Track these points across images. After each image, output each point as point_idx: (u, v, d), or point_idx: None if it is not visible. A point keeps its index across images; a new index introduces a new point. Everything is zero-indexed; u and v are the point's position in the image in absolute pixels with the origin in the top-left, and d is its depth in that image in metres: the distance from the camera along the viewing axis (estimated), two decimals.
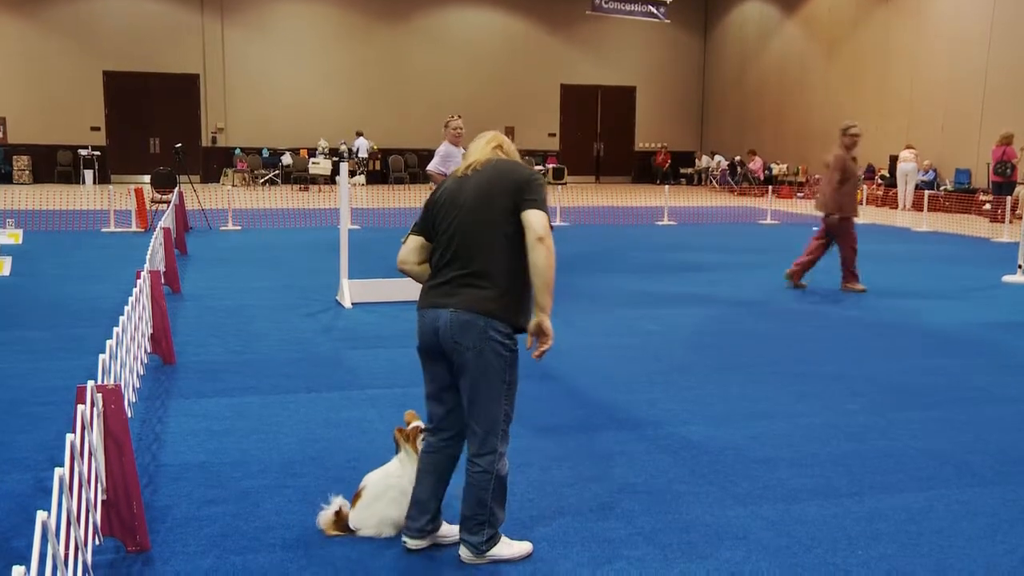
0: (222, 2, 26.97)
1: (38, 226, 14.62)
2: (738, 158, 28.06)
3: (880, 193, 22.43)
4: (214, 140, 27.48)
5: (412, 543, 3.38)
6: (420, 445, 3.47)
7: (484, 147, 3.35)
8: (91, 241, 13.04)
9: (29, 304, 8.22)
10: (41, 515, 2.24)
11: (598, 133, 31.42)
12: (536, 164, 28.53)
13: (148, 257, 6.83)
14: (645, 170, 31.35)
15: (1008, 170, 17.37)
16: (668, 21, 28.14)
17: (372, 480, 3.54)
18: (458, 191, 3.25)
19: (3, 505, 3.74)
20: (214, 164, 27.16)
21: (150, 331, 5.97)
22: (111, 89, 26.49)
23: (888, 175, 22.64)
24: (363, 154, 26.80)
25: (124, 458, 3.28)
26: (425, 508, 3.36)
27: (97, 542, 3.25)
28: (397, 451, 3.56)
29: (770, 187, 21.53)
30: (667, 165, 30.59)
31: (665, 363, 6.38)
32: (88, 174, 25.47)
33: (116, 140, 26.70)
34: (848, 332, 7.51)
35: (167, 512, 3.69)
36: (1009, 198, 16.33)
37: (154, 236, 7.86)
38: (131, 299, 5.12)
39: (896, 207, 21.29)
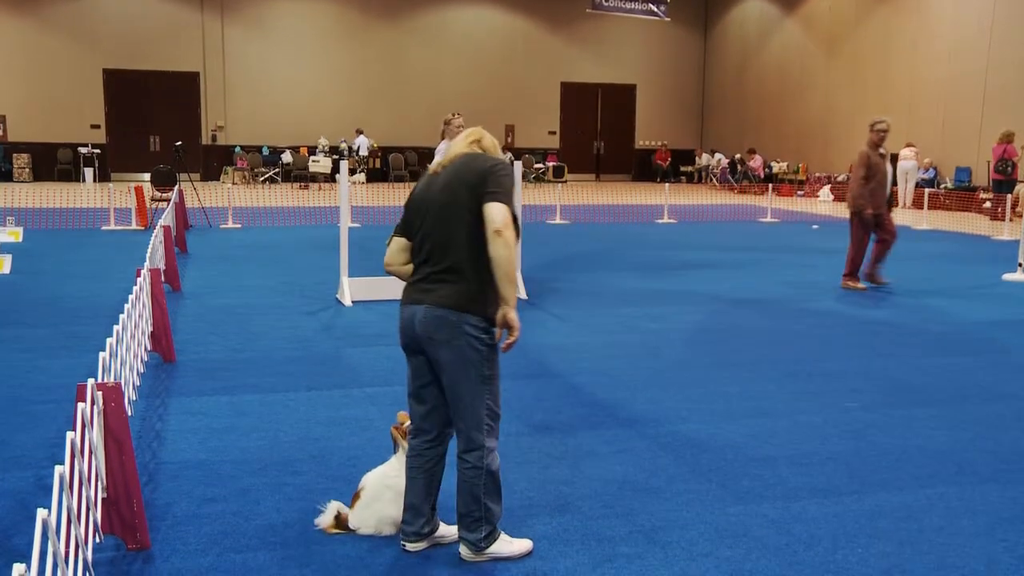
0: (222, 0, 26.95)
1: (38, 224, 14.62)
2: (738, 156, 28.06)
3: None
4: (214, 138, 27.47)
5: (410, 546, 3.38)
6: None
7: (461, 143, 3.36)
8: (91, 239, 13.04)
9: (29, 302, 8.22)
10: (41, 513, 2.25)
11: (598, 131, 31.42)
12: (536, 162, 28.55)
13: (148, 255, 6.82)
14: (645, 168, 31.35)
15: (1009, 168, 17.37)
16: (668, 19, 28.15)
17: (370, 481, 3.54)
18: (428, 189, 3.29)
19: (3, 503, 3.74)
20: (214, 162, 27.17)
21: (150, 329, 5.97)
22: (111, 87, 26.48)
23: None
24: (363, 152, 26.80)
25: (124, 456, 3.28)
26: (419, 512, 3.36)
27: (97, 540, 3.25)
28: (395, 450, 3.56)
29: (770, 185, 21.53)
30: (667, 163, 30.59)
31: (665, 361, 6.38)
32: (88, 172, 25.49)
33: (116, 138, 26.71)
34: (848, 330, 7.51)
35: (167, 510, 3.69)
36: (1009, 196, 16.34)
37: (154, 234, 7.86)
38: (131, 297, 5.12)
39: (896, 205, 21.28)
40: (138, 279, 5.69)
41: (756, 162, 26.95)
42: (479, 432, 3.23)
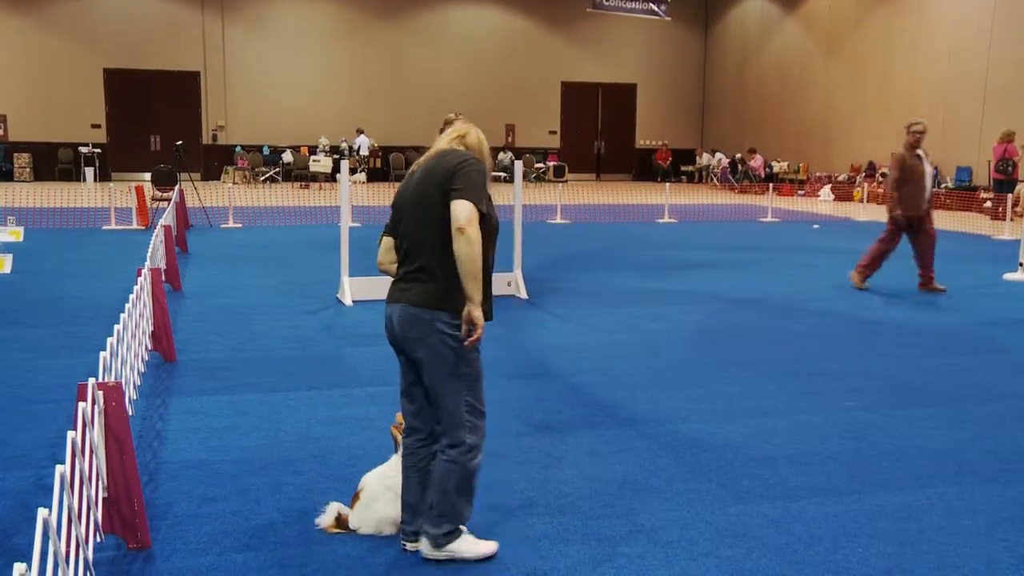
0: (223, 0, 26.96)
1: (39, 224, 14.62)
2: (739, 156, 28.07)
3: (881, 191, 22.42)
4: (215, 138, 27.49)
5: (410, 546, 3.38)
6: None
7: (444, 139, 3.35)
8: (92, 239, 13.04)
9: (30, 301, 8.23)
10: (42, 512, 2.25)
11: (599, 131, 31.43)
12: (537, 162, 28.56)
13: (149, 255, 6.83)
14: (646, 168, 31.36)
15: (1009, 168, 17.38)
16: (669, 19, 28.16)
17: (369, 482, 3.55)
18: (406, 189, 3.31)
19: (4, 502, 3.75)
20: (215, 162, 27.18)
21: (151, 328, 5.97)
22: (112, 87, 26.50)
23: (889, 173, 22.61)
24: (364, 152, 26.81)
25: (125, 455, 3.29)
26: (416, 511, 3.37)
27: (98, 539, 3.26)
28: (396, 449, 3.56)
29: (771, 185, 21.54)
30: (668, 163, 30.59)
31: (665, 361, 6.38)
32: (89, 172, 25.50)
33: (117, 138, 26.72)
34: (848, 330, 7.51)
35: (168, 509, 3.70)
36: (1010, 196, 16.33)
37: (155, 234, 7.86)
38: (132, 297, 5.13)
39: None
40: (139, 279, 5.70)
41: (756, 162, 26.95)
42: (460, 429, 3.23)
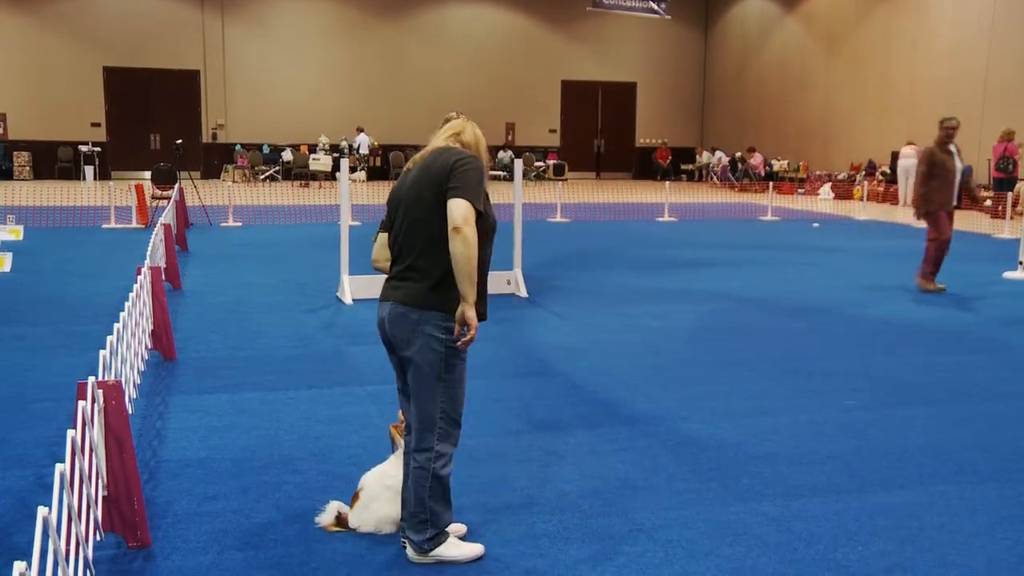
0: None
1: (39, 222, 14.63)
2: (739, 154, 28.09)
3: (881, 189, 22.46)
4: (214, 136, 27.49)
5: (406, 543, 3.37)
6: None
7: (440, 137, 3.32)
8: (92, 237, 13.05)
9: (30, 300, 8.23)
10: (42, 511, 2.25)
11: (599, 129, 31.44)
12: (537, 160, 28.56)
13: (149, 253, 6.83)
14: (646, 166, 31.38)
15: (1010, 166, 17.40)
16: (669, 17, 28.16)
17: (369, 481, 3.55)
18: (401, 186, 3.28)
19: (4, 501, 3.75)
20: (214, 160, 27.19)
21: (151, 327, 5.97)
22: (112, 85, 26.50)
23: (889, 171, 22.68)
24: (364, 150, 26.82)
25: (125, 454, 3.29)
26: None
27: (98, 538, 3.26)
28: (394, 449, 3.56)
29: (771, 183, 21.54)
30: (668, 161, 30.61)
31: (666, 359, 6.38)
32: (89, 170, 25.51)
33: (117, 136, 26.72)
34: (848, 328, 7.51)
35: (168, 508, 3.70)
36: (1010, 194, 16.34)
37: (155, 232, 7.86)
38: (132, 295, 5.13)
39: (897, 203, 21.31)
40: (139, 277, 5.70)
41: (756, 160, 26.97)
42: (430, 433, 3.20)
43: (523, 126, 30.15)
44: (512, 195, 9.23)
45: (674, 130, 31.73)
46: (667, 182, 21.56)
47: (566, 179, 27.39)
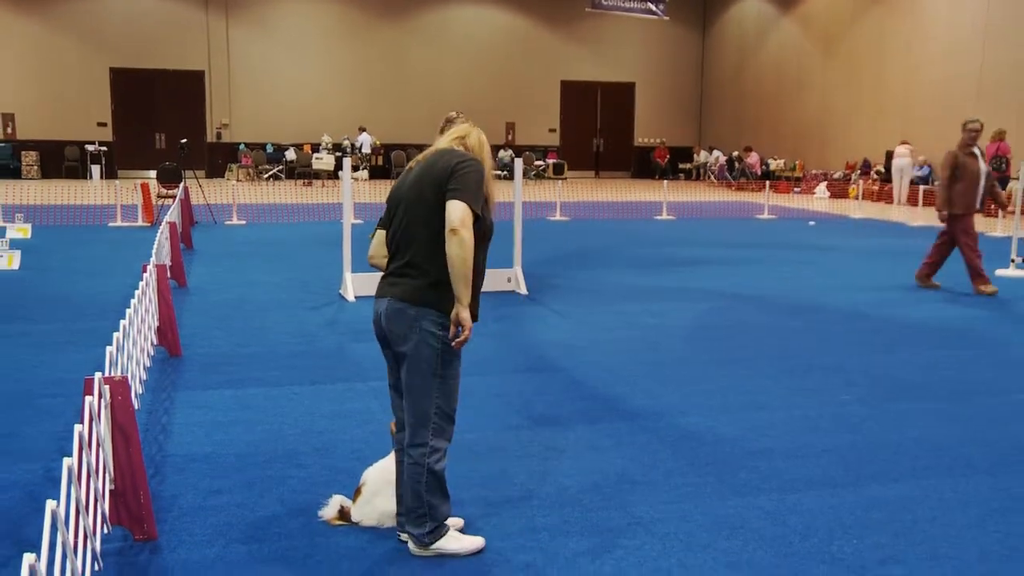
0: (226, 0, 27.02)
1: (46, 221, 14.70)
2: (736, 153, 28.13)
3: (876, 188, 22.49)
4: (219, 136, 27.56)
5: (405, 536, 3.40)
6: None
7: (445, 139, 3.36)
8: (98, 236, 13.11)
9: (38, 297, 8.28)
10: (51, 504, 2.28)
11: (598, 129, 31.48)
12: (536, 159, 28.59)
13: (154, 251, 6.89)
14: (644, 165, 31.42)
15: (1003, 165, 17.43)
16: (667, 18, 28.21)
17: (371, 477, 3.58)
18: (402, 185, 3.32)
19: (14, 494, 3.80)
20: (219, 159, 27.25)
21: (156, 324, 6.02)
22: (118, 86, 26.58)
23: (884, 171, 22.72)
24: (366, 149, 26.86)
25: (131, 449, 3.31)
26: None
27: (105, 531, 3.29)
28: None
29: (767, 182, 21.58)
30: (666, 160, 30.65)
31: (664, 356, 6.42)
32: (95, 169, 25.58)
33: (122, 136, 26.80)
34: (844, 325, 7.55)
35: (173, 502, 3.74)
36: (1003, 193, 16.35)
37: (160, 230, 7.91)
38: (137, 292, 5.18)
39: (891, 202, 21.34)
40: (144, 275, 5.74)
41: (753, 159, 27.00)
42: (424, 429, 3.23)
43: (523, 126, 30.18)
44: (512, 194, 9.28)
45: (672, 130, 31.76)
46: (665, 181, 21.61)
47: (565, 178, 27.42)
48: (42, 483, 3.92)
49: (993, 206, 16.45)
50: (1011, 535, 3.57)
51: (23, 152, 25.68)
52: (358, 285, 8.53)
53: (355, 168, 25.10)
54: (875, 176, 23.13)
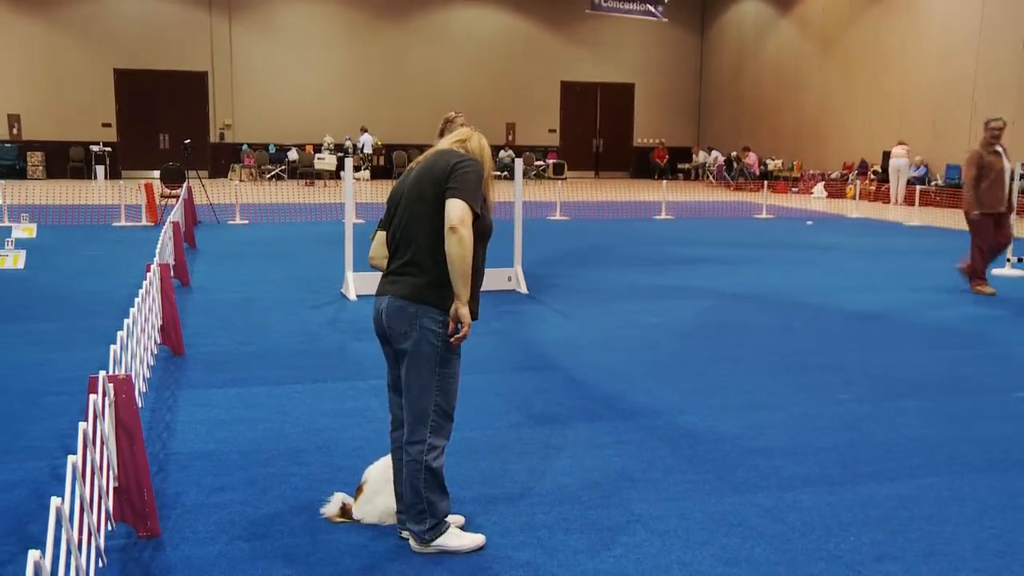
0: (230, 2, 27.07)
1: (51, 221, 14.74)
2: (734, 154, 28.16)
3: (873, 188, 22.51)
4: (222, 136, 27.60)
5: (406, 533, 3.43)
6: None
7: (447, 140, 3.39)
8: (102, 235, 13.14)
9: (42, 296, 8.32)
10: (55, 501, 2.29)
11: (597, 129, 31.51)
12: (536, 159, 28.62)
13: (158, 251, 6.91)
14: (643, 165, 31.45)
15: None
16: (666, 20, 28.26)
17: (372, 475, 3.60)
18: (402, 185, 3.35)
19: (19, 491, 3.82)
20: (222, 160, 27.30)
21: (160, 323, 6.05)
22: (122, 87, 26.64)
23: (881, 171, 22.74)
24: (368, 150, 26.89)
25: (135, 446, 3.33)
26: None
27: (109, 528, 3.31)
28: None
29: (765, 182, 21.60)
30: (665, 160, 30.67)
31: (663, 354, 6.44)
32: (99, 170, 25.64)
33: (127, 136, 26.86)
34: (842, 324, 7.56)
35: (177, 499, 3.76)
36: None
37: (163, 230, 7.94)
38: (141, 291, 5.20)
39: (888, 202, 21.36)
40: (148, 274, 5.77)
41: (751, 159, 27.02)
42: (423, 426, 3.26)
43: (523, 126, 30.21)
44: (512, 193, 9.30)
45: (671, 130, 31.78)
46: (664, 181, 21.62)
47: (565, 178, 27.45)
48: (47, 480, 3.95)
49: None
50: (1006, 532, 3.59)
51: (28, 153, 25.74)
52: (360, 284, 8.56)
53: (357, 168, 25.13)
54: (872, 176, 23.16)
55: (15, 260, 9.92)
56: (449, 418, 3.32)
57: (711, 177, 28.68)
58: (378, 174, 27.37)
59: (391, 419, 3.46)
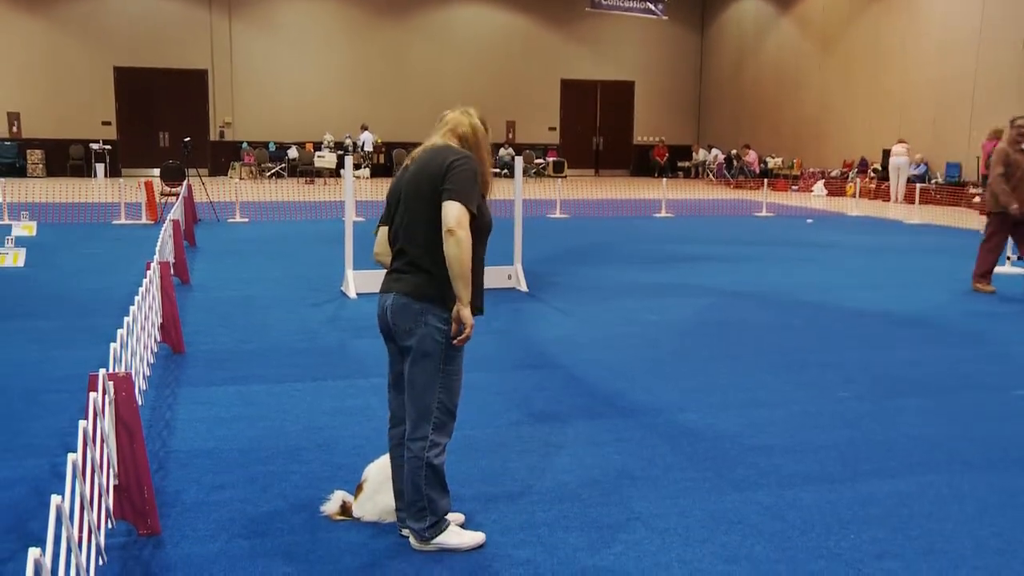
0: (229, 0, 27.06)
1: (51, 219, 14.75)
2: (734, 152, 28.17)
3: (873, 186, 22.51)
4: (222, 134, 27.59)
5: (406, 531, 3.43)
6: None
7: (437, 133, 3.37)
8: (102, 233, 13.14)
9: (42, 294, 8.32)
10: (56, 499, 2.29)
11: (597, 127, 31.51)
12: (536, 157, 28.63)
13: (158, 248, 6.92)
14: (643, 163, 31.45)
15: None
16: (666, 18, 28.26)
17: (372, 473, 3.60)
18: (399, 183, 3.35)
19: (20, 489, 3.83)
20: (222, 158, 27.29)
21: (160, 321, 6.05)
22: (122, 85, 26.63)
23: (881, 169, 22.74)
24: (368, 147, 26.89)
25: (135, 444, 3.33)
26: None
27: (110, 525, 3.32)
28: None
29: (765, 180, 21.61)
30: (665, 158, 30.67)
31: (663, 352, 6.45)
32: (99, 168, 25.64)
33: (127, 134, 26.86)
34: (842, 322, 7.57)
35: (177, 497, 3.77)
36: None
37: (163, 228, 7.94)
38: (141, 289, 5.20)
39: (888, 200, 21.36)
40: (148, 272, 5.77)
41: (751, 157, 27.03)
42: (426, 422, 3.26)
43: (523, 124, 30.21)
44: (512, 192, 9.31)
45: (671, 128, 31.79)
46: (664, 179, 21.60)
47: (565, 176, 27.46)
48: (47, 478, 3.95)
49: None
50: (1006, 530, 3.60)
51: (28, 151, 25.74)
52: (360, 282, 8.56)
53: (357, 166, 25.14)
54: (872, 174, 23.16)
55: (15, 258, 9.93)
56: (452, 416, 3.32)
57: (711, 175, 28.69)
58: (378, 172, 27.38)
59: (390, 416, 3.46)
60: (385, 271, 3.44)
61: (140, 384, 4.82)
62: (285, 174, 26.25)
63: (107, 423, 3.23)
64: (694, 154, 30.99)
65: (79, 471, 2.64)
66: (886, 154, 22.11)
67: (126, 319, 4.43)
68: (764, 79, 28.41)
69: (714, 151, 29.12)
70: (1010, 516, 3.72)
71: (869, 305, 8.38)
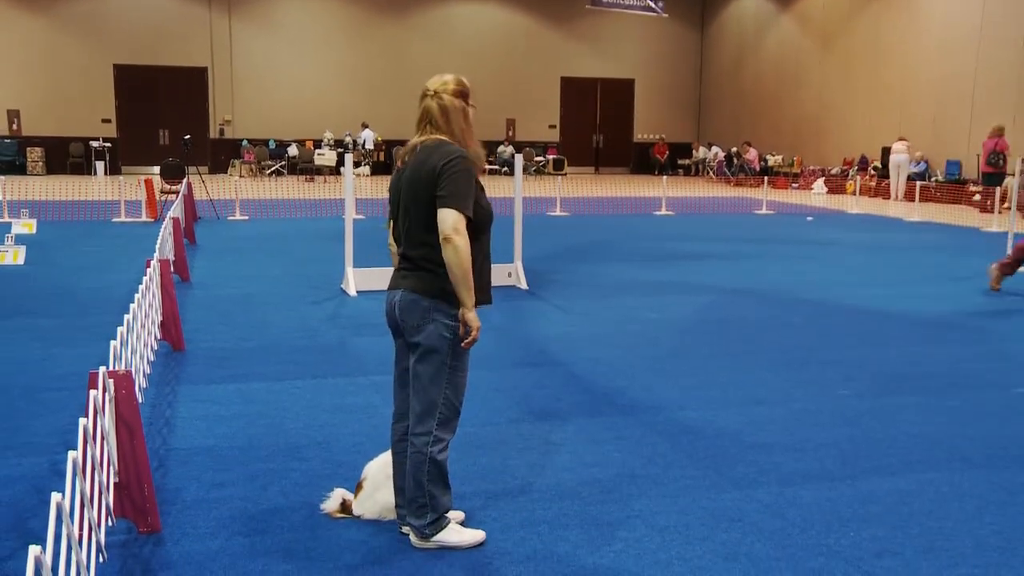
0: None
1: (51, 216, 14.75)
2: (734, 149, 28.16)
3: (873, 184, 22.51)
4: (222, 132, 27.58)
5: (406, 528, 3.43)
6: None
7: (416, 130, 3.40)
8: (102, 231, 13.14)
9: (43, 292, 8.32)
10: (56, 497, 2.30)
11: (597, 125, 31.50)
12: (537, 155, 28.61)
13: (158, 246, 6.92)
14: (643, 161, 31.44)
15: (1000, 161, 17.47)
16: (666, 15, 28.23)
17: (372, 471, 3.60)
18: (397, 183, 3.36)
19: (20, 487, 3.83)
20: (222, 155, 27.29)
21: (160, 318, 6.06)
22: (122, 82, 26.62)
23: (881, 166, 22.75)
24: (368, 145, 26.88)
25: (135, 442, 3.34)
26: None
27: (110, 523, 3.32)
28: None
29: (765, 178, 21.62)
30: (665, 156, 30.66)
31: (663, 350, 6.45)
32: (99, 165, 25.63)
33: (126, 132, 26.85)
34: (842, 319, 7.57)
35: (177, 495, 3.77)
36: (999, 189, 16.39)
37: (163, 226, 7.94)
38: (141, 287, 5.21)
39: (889, 198, 21.36)
40: (148, 270, 5.77)
41: (751, 155, 27.03)
42: (430, 417, 3.27)
43: (523, 122, 30.20)
44: (513, 189, 9.31)
45: (671, 126, 31.77)
46: (664, 177, 21.59)
47: (565, 174, 27.44)
48: (47, 476, 3.95)
49: None
50: (1006, 528, 3.60)
51: (28, 148, 25.74)
52: (360, 280, 8.57)
53: (357, 164, 25.13)
54: (872, 172, 23.16)
55: (15, 256, 9.93)
56: (456, 412, 3.33)
57: (711, 173, 28.68)
58: (378, 170, 27.37)
59: (394, 411, 3.47)
60: (392, 269, 3.47)
61: (140, 382, 4.82)
62: (285, 172, 26.24)
63: (107, 421, 3.24)
64: (694, 152, 30.98)
65: (79, 469, 2.65)
66: (886, 152, 22.12)
67: (126, 317, 4.44)
68: (764, 77, 28.40)
69: (714, 149, 29.11)
70: (1010, 514, 3.72)
71: (869, 303, 8.39)
